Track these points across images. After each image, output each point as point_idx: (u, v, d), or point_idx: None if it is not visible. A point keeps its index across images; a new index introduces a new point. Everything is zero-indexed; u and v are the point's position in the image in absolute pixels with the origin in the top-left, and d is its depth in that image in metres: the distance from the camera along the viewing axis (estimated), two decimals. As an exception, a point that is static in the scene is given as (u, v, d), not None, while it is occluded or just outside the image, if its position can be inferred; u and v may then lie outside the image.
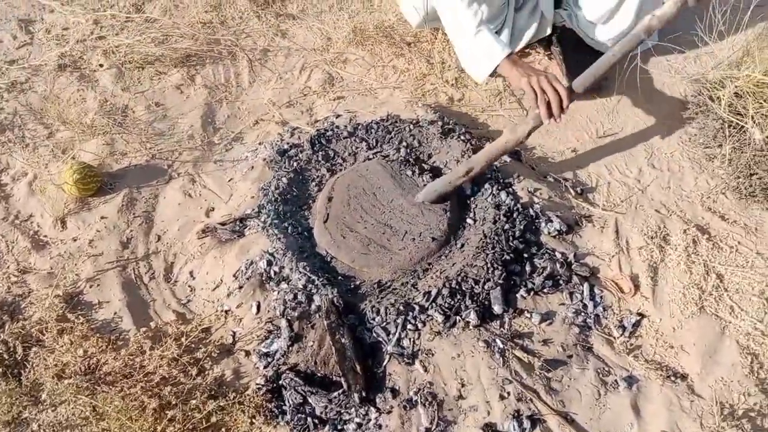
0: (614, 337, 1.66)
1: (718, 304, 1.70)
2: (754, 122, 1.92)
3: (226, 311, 1.72)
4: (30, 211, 1.94)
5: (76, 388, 1.52)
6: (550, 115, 1.76)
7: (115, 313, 1.74)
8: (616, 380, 1.57)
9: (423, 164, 2.00)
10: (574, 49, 2.26)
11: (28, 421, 1.51)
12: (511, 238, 1.76)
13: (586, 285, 1.73)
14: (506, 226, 1.79)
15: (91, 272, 1.82)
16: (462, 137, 2.03)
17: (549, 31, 2.28)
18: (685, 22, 2.13)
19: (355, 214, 1.83)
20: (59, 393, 1.54)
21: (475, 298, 1.66)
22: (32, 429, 1.50)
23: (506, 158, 2.00)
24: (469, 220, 1.87)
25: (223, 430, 1.48)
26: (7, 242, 1.86)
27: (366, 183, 1.90)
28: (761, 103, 1.97)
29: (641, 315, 1.70)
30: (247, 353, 1.64)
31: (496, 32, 2.25)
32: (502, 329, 1.63)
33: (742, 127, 1.95)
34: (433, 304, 1.63)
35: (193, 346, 1.65)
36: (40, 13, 2.54)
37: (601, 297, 1.72)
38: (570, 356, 1.60)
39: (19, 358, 1.60)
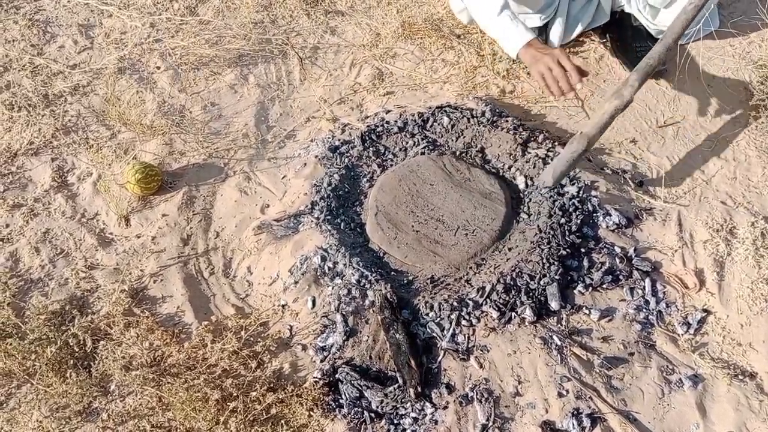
0: (678, 335, 1.60)
1: (791, 301, 1.62)
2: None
3: (283, 306, 1.75)
4: (95, 209, 2.03)
5: (142, 380, 1.58)
6: (560, 92, 1.82)
7: (178, 307, 1.79)
8: (680, 379, 1.52)
9: (475, 158, 1.98)
10: (632, 36, 2.18)
11: (98, 411, 1.58)
12: (567, 233, 1.73)
13: (647, 280, 1.67)
14: (562, 221, 1.75)
15: (154, 268, 1.88)
16: (514, 129, 2.00)
17: (606, 18, 2.21)
18: (748, 4, 2.03)
19: (407, 210, 1.83)
20: (127, 384, 1.60)
21: (531, 294, 1.63)
22: (102, 418, 1.56)
23: (561, 149, 1.96)
24: (523, 215, 1.84)
25: (282, 422, 1.51)
26: (75, 240, 1.94)
27: (417, 178, 1.89)
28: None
29: (707, 311, 1.64)
30: (304, 347, 1.67)
31: (547, 22, 2.20)
32: (559, 326, 1.60)
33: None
34: (488, 299, 1.62)
35: (252, 339, 1.68)
36: (98, 18, 2.63)
37: (664, 293, 1.66)
38: (631, 354, 1.56)
39: (89, 350, 1.67)
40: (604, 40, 2.30)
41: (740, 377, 1.52)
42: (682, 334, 1.60)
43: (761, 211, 1.81)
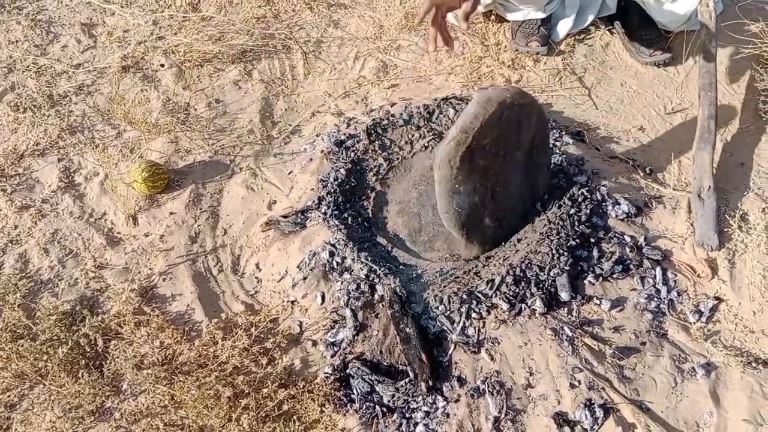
0: (690, 323, 1.59)
1: (804, 287, 1.61)
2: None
3: (292, 302, 1.75)
4: (103, 209, 2.03)
5: (154, 378, 1.58)
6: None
7: (188, 305, 1.80)
8: (693, 367, 1.51)
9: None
10: (639, 24, 2.16)
11: (111, 410, 1.59)
12: (576, 223, 1.71)
13: (658, 269, 1.66)
14: (572, 211, 1.74)
15: (163, 266, 1.89)
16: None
17: (612, 11, 2.19)
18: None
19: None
20: (139, 383, 1.61)
21: (541, 285, 1.62)
22: (115, 417, 1.57)
23: (569, 139, 1.94)
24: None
25: (295, 417, 1.51)
26: (83, 239, 1.95)
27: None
28: None
29: (719, 299, 1.63)
30: (314, 343, 1.67)
31: (555, 12, 2.18)
32: (570, 316, 1.60)
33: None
34: (497, 292, 1.61)
35: (262, 336, 1.69)
36: (101, 17, 2.63)
37: (675, 281, 1.65)
38: (643, 343, 1.55)
39: (100, 350, 1.68)
40: (611, 27, 2.28)
41: (753, 364, 1.51)
42: (694, 323, 1.59)
43: (773, 197, 1.79)
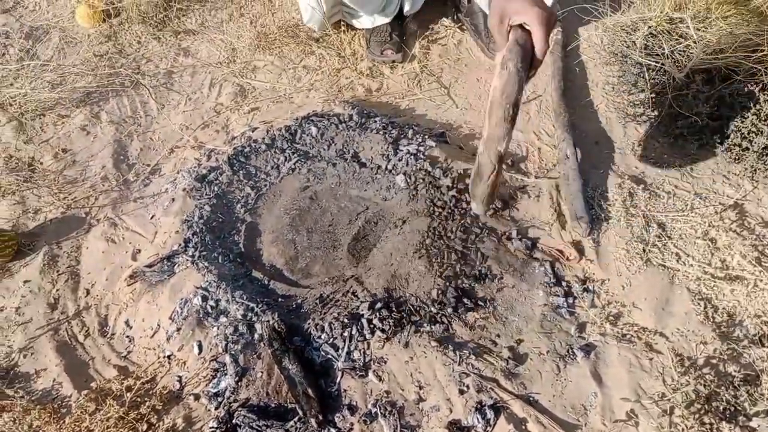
0: (565, 307, 1.63)
1: (664, 254, 1.69)
2: (673, 61, 1.90)
3: (169, 356, 1.64)
4: (-55, 289, 1.82)
5: (20, 471, 1.43)
6: None
7: (54, 380, 1.65)
8: (573, 351, 1.54)
9: (352, 163, 1.94)
10: (485, 22, 2.20)
11: None
12: (451, 232, 1.71)
13: (534, 262, 1.69)
14: (443, 216, 1.73)
15: (22, 342, 1.72)
16: (384, 129, 1.97)
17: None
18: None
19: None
20: (3, 479, 1.45)
21: (423, 299, 1.60)
22: None
23: (432, 143, 1.95)
24: (404, 213, 1.81)
25: (182, 483, 1.41)
26: (-75, 328, 1.74)
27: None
28: (677, 39, 1.94)
29: (588, 279, 1.68)
30: (197, 396, 1.57)
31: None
32: (452, 323, 1.59)
33: (662, 67, 1.92)
34: (379, 312, 1.58)
35: (139, 400, 1.56)
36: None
37: (553, 270, 1.68)
38: (520, 341, 1.57)
39: (-44, 450, 1.50)
40: (460, 24, 2.31)
41: (629, 338, 1.57)
42: (569, 307, 1.62)
43: (627, 171, 1.87)
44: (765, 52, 1.85)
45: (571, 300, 1.64)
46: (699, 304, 1.60)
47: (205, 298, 1.65)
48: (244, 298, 1.63)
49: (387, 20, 2.14)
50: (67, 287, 1.81)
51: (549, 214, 1.79)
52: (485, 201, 1.45)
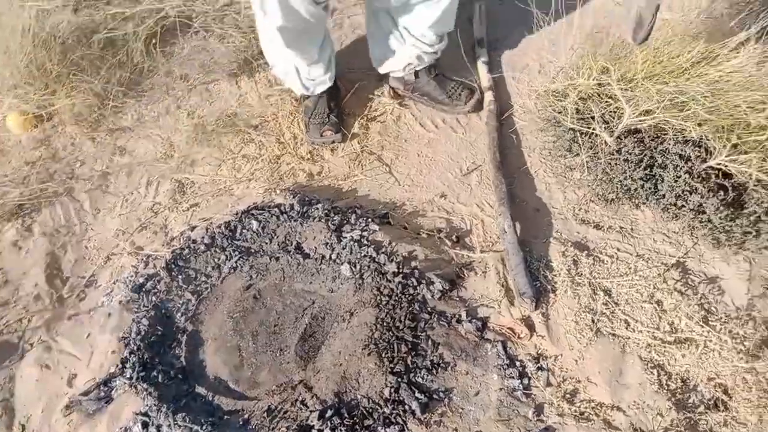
0: (521, 389, 1.58)
1: (613, 323, 1.67)
2: (605, 125, 1.91)
3: (112, 492, 1.54)
4: None
5: None
6: None
7: None
8: (533, 439, 1.50)
9: (296, 255, 1.89)
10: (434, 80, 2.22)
11: None
12: (399, 321, 1.67)
13: (486, 343, 1.65)
14: (390, 306, 1.69)
15: (-46, 489, 1.60)
16: (326, 216, 1.94)
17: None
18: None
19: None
20: None
21: (375, 399, 1.55)
22: None
23: (374, 226, 1.92)
24: (350, 305, 1.76)
25: None
26: None
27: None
28: (607, 101, 1.97)
29: (540, 356, 1.64)
30: None
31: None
32: (407, 423, 1.53)
33: (593, 132, 1.94)
34: (330, 420, 1.51)
35: None
36: None
37: (506, 350, 1.64)
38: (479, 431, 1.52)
39: None
40: (400, 100, 2.31)
41: (586, 415, 1.53)
42: (524, 389, 1.58)
43: (570, 238, 1.87)
44: (692, 110, 1.89)
45: (526, 381, 1.60)
46: (652, 372, 1.57)
47: (145, 425, 1.56)
48: (187, 420, 1.54)
49: (328, 85, 2.16)
50: (2, 424, 1.70)
51: (497, 291, 1.76)
52: (643, 40, 1.80)
